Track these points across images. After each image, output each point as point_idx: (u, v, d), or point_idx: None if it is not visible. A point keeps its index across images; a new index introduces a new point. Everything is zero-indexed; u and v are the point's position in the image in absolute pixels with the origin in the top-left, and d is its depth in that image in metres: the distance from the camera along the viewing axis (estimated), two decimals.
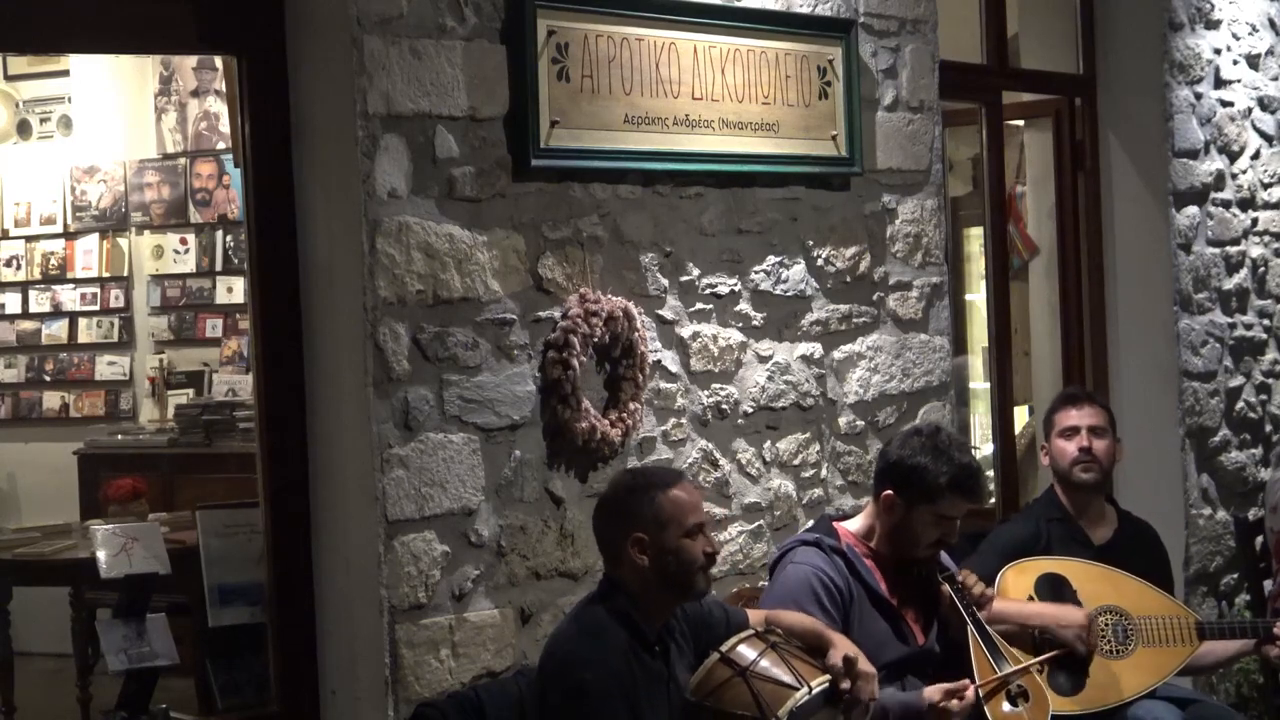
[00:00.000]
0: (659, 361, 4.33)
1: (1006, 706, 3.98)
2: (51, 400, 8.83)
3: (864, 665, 3.67)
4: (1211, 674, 5.80)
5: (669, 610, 3.63)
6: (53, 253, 8.83)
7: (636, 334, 4.18)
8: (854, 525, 4.15)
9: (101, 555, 4.23)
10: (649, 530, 3.52)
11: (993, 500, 6.24)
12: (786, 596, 3.94)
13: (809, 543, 4.05)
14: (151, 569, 4.15)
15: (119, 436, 8.28)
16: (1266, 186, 6.78)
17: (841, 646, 3.69)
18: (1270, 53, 6.82)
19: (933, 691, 3.84)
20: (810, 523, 4.38)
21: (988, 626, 4.06)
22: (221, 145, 8.24)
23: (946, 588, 4.05)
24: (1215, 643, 4.73)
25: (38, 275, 8.86)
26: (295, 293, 3.87)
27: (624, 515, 3.56)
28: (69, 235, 8.76)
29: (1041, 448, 5.00)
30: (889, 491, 4.02)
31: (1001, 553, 4.66)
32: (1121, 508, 5.04)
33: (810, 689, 3.52)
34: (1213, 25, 6.49)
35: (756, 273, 4.59)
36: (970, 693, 3.86)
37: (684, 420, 4.40)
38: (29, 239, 8.87)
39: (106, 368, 8.74)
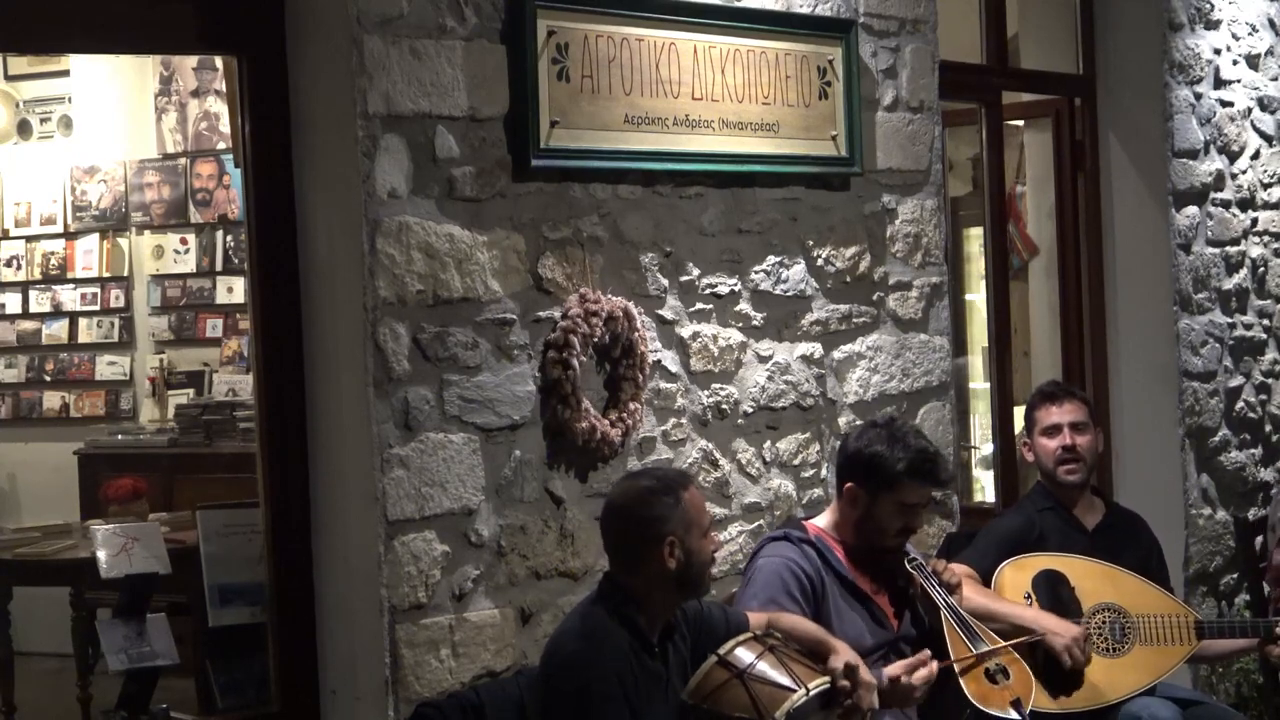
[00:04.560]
0: (659, 361, 4.33)
1: (988, 684, 4.03)
2: (52, 400, 8.83)
3: (865, 674, 3.67)
4: (1213, 666, 5.81)
5: (674, 609, 3.64)
6: (53, 253, 8.83)
7: (636, 334, 4.18)
8: (821, 521, 4.19)
9: (101, 555, 4.23)
10: (677, 532, 3.53)
11: (993, 499, 6.25)
12: (758, 590, 3.97)
13: (777, 538, 4.10)
14: (151, 569, 4.15)
15: (119, 436, 8.27)
16: (1266, 186, 6.78)
17: (843, 653, 3.69)
18: (1270, 53, 6.82)
19: (893, 668, 3.86)
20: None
21: (960, 609, 4.09)
22: (221, 145, 8.24)
23: (916, 574, 4.09)
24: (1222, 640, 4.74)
25: (38, 275, 8.85)
26: (295, 293, 3.87)
27: (653, 519, 3.53)
28: (69, 235, 8.76)
29: (1024, 444, 4.97)
30: (850, 484, 4.06)
31: (998, 544, 4.67)
32: (1109, 499, 5.06)
33: (808, 691, 3.51)
34: (1212, 25, 6.49)
35: (756, 273, 4.59)
36: (932, 665, 3.88)
37: (684, 420, 4.40)
38: (29, 239, 8.86)
39: (106, 368, 8.74)
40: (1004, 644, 4.10)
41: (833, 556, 4.06)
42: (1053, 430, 4.79)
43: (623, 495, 3.65)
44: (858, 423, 4.85)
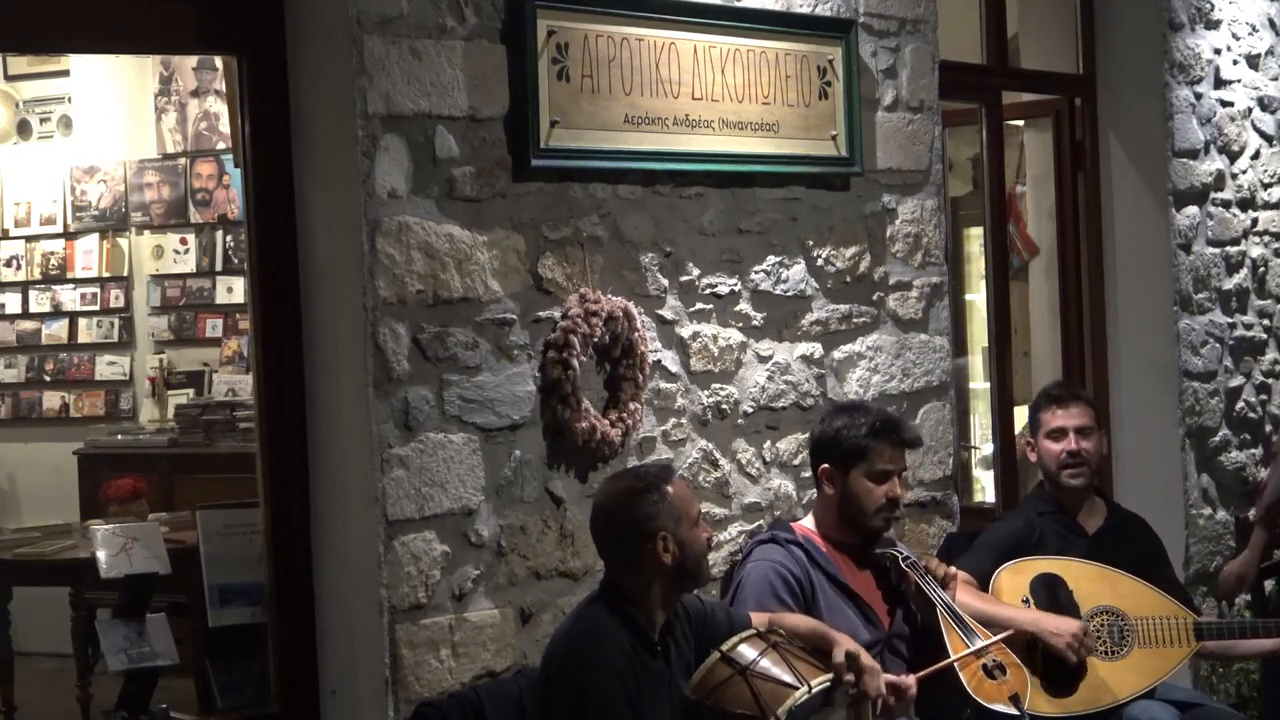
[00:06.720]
0: (659, 361, 4.33)
1: (986, 680, 4.04)
2: (51, 400, 8.83)
3: (867, 660, 3.68)
4: (1214, 666, 5.81)
5: (674, 604, 3.65)
6: (53, 253, 8.84)
7: (636, 334, 4.18)
8: (808, 521, 4.25)
9: (101, 555, 4.23)
10: (667, 527, 3.54)
11: (993, 499, 6.25)
12: (748, 597, 3.99)
13: (765, 540, 4.14)
14: (151, 569, 4.15)
15: (119, 436, 8.28)
16: (1266, 186, 6.78)
17: (844, 644, 3.70)
18: (1270, 53, 6.82)
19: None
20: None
21: (955, 605, 4.11)
22: (221, 145, 8.25)
23: (910, 571, 4.11)
24: (1248, 640, 4.73)
25: (38, 275, 8.86)
26: (295, 293, 3.87)
27: (642, 518, 3.54)
28: (69, 235, 8.77)
29: (1028, 444, 4.95)
30: (824, 465, 4.15)
31: (997, 548, 4.66)
32: (1111, 500, 5.06)
33: (810, 688, 3.51)
34: (1213, 25, 6.49)
35: (756, 273, 4.59)
36: (912, 688, 3.86)
37: (684, 420, 4.40)
38: (29, 239, 8.87)
39: (106, 368, 8.74)
40: (995, 638, 4.11)
41: (820, 555, 4.10)
42: (1058, 434, 4.78)
43: (608, 498, 3.66)
44: None
